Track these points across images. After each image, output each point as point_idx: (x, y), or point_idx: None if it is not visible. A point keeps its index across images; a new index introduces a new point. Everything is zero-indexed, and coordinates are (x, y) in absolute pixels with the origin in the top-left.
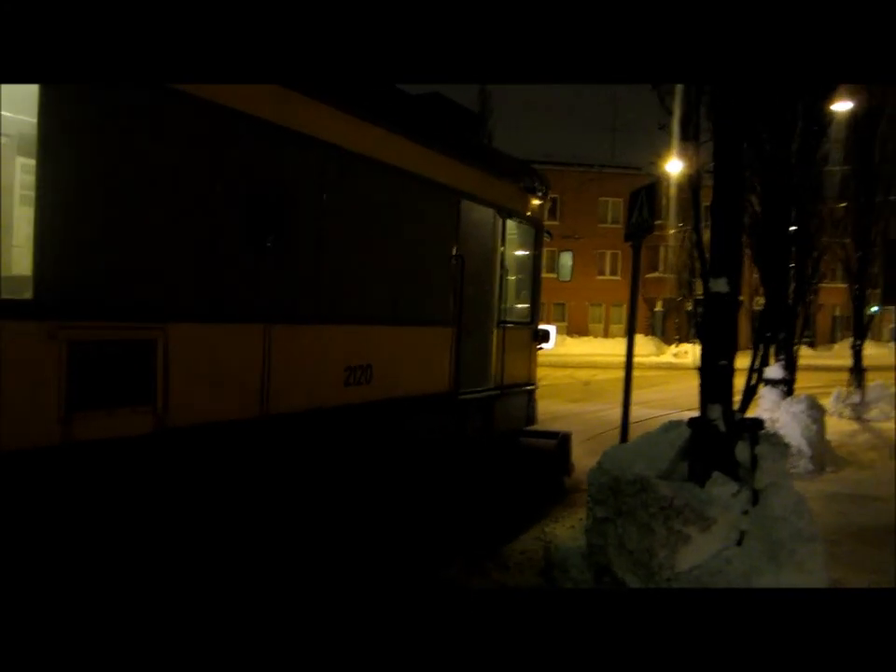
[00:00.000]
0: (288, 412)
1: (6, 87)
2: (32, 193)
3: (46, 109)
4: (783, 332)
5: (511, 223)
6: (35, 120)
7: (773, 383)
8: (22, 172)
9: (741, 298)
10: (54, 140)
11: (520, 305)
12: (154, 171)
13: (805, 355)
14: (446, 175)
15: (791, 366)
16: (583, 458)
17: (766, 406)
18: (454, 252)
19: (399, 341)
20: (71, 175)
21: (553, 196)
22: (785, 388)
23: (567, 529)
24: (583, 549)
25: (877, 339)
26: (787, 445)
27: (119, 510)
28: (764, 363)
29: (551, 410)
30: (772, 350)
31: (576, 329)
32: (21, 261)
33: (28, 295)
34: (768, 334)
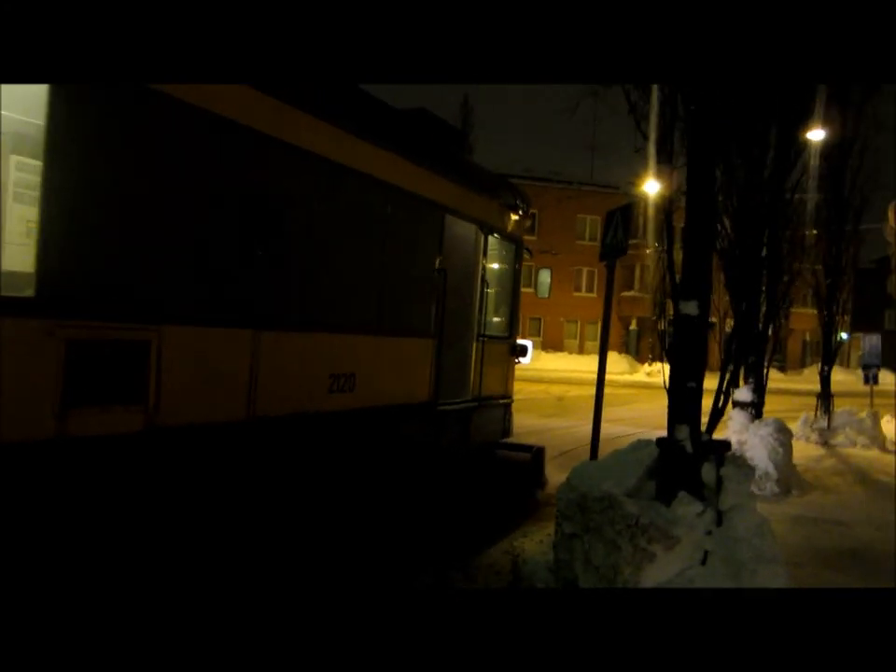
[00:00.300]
0: (274, 415)
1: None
2: (25, 191)
3: (53, 111)
4: (753, 355)
5: (492, 239)
6: (31, 120)
7: (742, 405)
8: (16, 170)
9: (713, 320)
10: (61, 144)
11: (499, 319)
12: (155, 178)
13: (775, 378)
14: (431, 191)
15: (760, 389)
16: (555, 474)
17: (735, 428)
18: (437, 266)
19: (382, 350)
20: (75, 178)
21: (531, 211)
22: (753, 411)
23: (536, 544)
24: (551, 563)
25: (846, 365)
26: (752, 467)
27: (108, 504)
28: (734, 385)
29: (524, 424)
30: (741, 373)
31: (551, 344)
32: (14, 258)
33: (29, 293)
34: (737, 357)
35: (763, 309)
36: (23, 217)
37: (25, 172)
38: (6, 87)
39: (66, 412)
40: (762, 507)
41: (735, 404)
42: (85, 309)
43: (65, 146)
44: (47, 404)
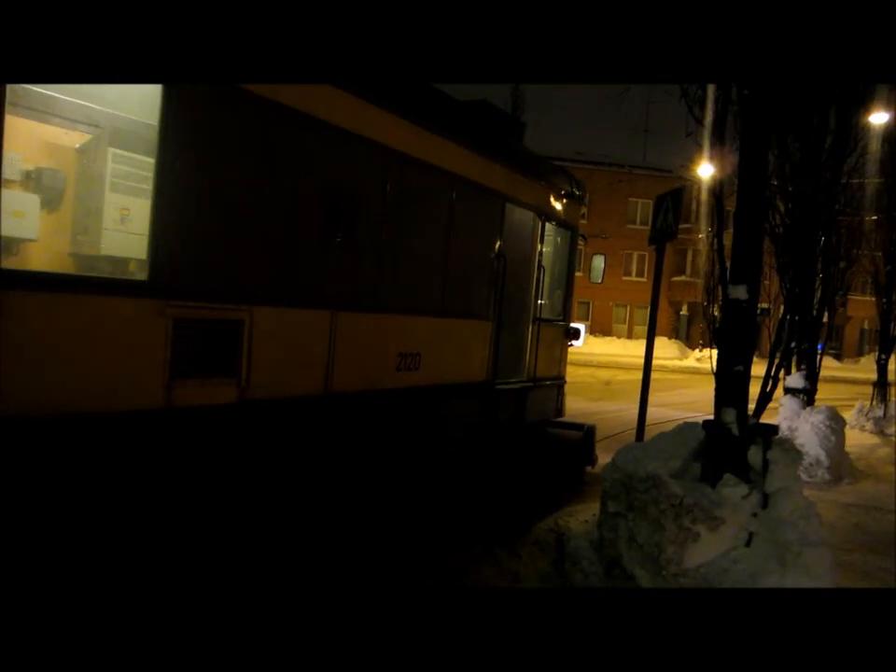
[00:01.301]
0: (348, 391)
1: (112, 87)
2: (120, 181)
3: (166, 114)
4: (805, 342)
5: (548, 225)
6: (135, 118)
7: (793, 392)
8: (113, 162)
9: (766, 306)
10: (171, 147)
11: (554, 303)
12: (249, 176)
13: (831, 367)
14: (492, 180)
15: (812, 376)
16: (602, 457)
17: (786, 415)
18: (496, 251)
19: (445, 332)
20: (183, 178)
21: (585, 198)
22: (805, 398)
23: (581, 523)
24: (595, 541)
25: None
26: (799, 451)
27: (204, 468)
28: (786, 371)
29: (572, 408)
30: (794, 360)
31: (599, 328)
32: (111, 244)
33: (141, 277)
34: (791, 344)
35: (818, 295)
36: (118, 205)
37: (120, 163)
38: (114, 88)
39: (173, 383)
40: (812, 494)
41: (787, 391)
42: (189, 291)
43: (175, 149)
44: (158, 375)
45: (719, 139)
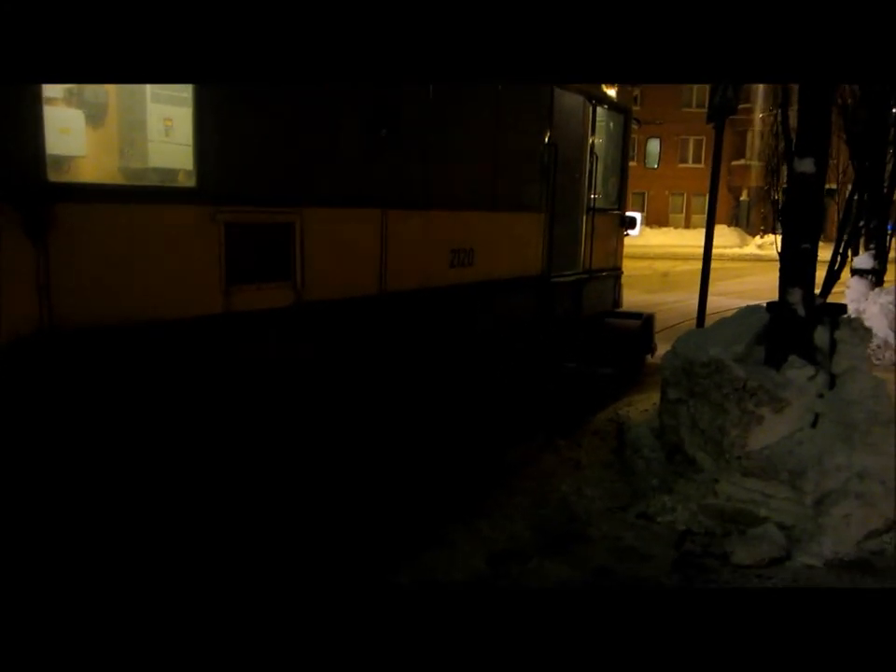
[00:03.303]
0: (402, 290)
1: None
2: (162, 91)
3: None
4: (874, 220)
5: (600, 110)
6: None
7: (861, 273)
8: None
9: (833, 186)
10: None
11: (608, 192)
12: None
13: None
14: None
15: (882, 256)
16: (660, 348)
17: (853, 297)
18: (547, 140)
19: (498, 226)
20: (221, 84)
21: None
22: (874, 279)
23: (641, 413)
24: (656, 429)
25: None
26: (868, 330)
27: (265, 371)
28: (854, 252)
29: (630, 300)
30: (861, 240)
31: (655, 219)
32: (158, 155)
33: (190, 184)
34: (860, 223)
35: (889, 169)
36: (161, 116)
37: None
38: None
39: (230, 288)
40: (880, 376)
41: (854, 272)
42: (238, 196)
43: None
44: (215, 282)
45: None
